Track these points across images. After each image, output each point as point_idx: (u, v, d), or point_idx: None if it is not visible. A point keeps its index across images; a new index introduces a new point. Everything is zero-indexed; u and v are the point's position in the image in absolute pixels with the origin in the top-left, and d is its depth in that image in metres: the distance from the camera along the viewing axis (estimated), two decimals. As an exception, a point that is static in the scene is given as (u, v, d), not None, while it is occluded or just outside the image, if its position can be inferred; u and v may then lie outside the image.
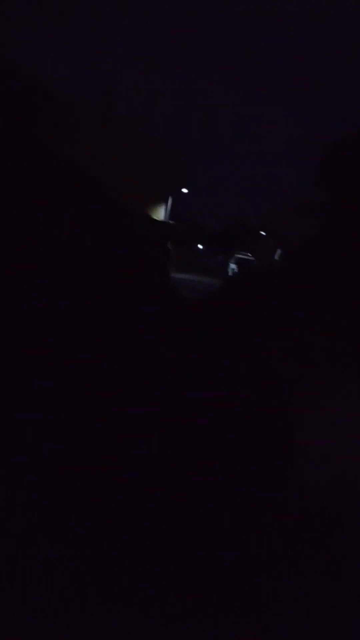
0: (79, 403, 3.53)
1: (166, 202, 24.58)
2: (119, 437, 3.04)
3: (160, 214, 22.67)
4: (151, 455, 2.79)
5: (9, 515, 2.09)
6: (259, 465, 3.24)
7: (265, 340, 6.42)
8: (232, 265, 30.06)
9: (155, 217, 18.37)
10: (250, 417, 4.06)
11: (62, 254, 7.08)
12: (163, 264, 13.41)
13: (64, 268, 6.86)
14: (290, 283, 8.21)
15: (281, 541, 2.33)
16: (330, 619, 1.90)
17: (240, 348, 6.41)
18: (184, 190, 28.11)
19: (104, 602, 1.75)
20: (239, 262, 27.19)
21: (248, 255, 27.85)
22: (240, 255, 28.82)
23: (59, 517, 2.12)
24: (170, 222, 25.36)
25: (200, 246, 36.65)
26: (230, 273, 30.82)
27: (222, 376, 5.43)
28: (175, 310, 9.89)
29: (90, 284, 7.24)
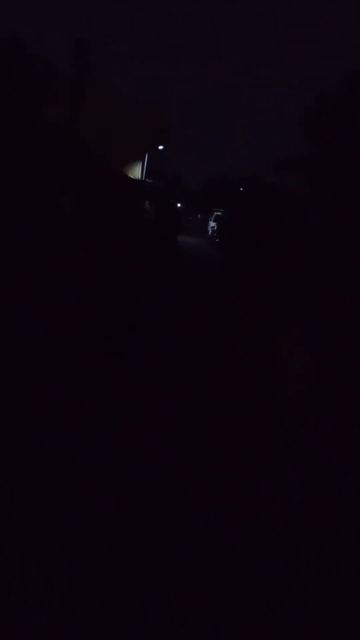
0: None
1: (142, 160, 23.81)
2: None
3: (136, 172, 22.00)
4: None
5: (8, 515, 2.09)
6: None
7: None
8: (212, 224, 29.57)
9: (131, 176, 17.82)
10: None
11: (38, 213, 6.85)
12: (142, 221, 13.10)
13: (40, 227, 6.65)
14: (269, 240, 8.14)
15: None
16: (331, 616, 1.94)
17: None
18: (160, 147, 27.22)
19: (104, 602, 1.75)
20: (217, 220, 26.72)
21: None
22: (218, 213, 28.29)
23: (58, 515, 2.12)
24: (148, 180, 24.64)
25: (179, 204, 35.93)
26: (210, 232, 30.35)
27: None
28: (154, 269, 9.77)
29: (67, 243, 7.06)
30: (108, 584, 1.74)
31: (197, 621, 1.65)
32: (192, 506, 2.26)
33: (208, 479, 2.51)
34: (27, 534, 1.92)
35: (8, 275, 5.42)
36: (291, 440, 3.07)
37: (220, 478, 2.54)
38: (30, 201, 7.01)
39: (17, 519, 2.00)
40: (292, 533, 2.18)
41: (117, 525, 2.07)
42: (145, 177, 23.57)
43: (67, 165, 9.00)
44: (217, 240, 22.04)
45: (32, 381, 3.39)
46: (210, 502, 2.31)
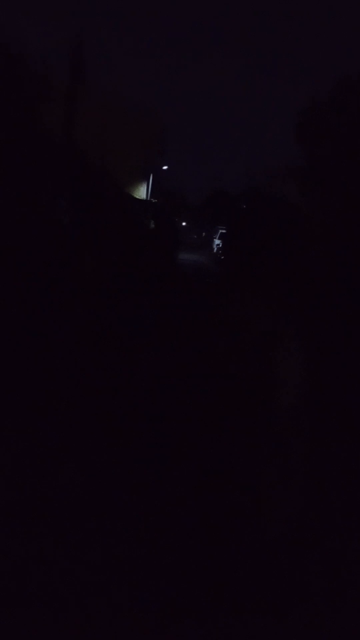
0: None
1: (147, 180, 24.21)
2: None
3: (141, 192, 22.32)
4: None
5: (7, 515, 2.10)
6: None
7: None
8: (217, 241, 29.75)
9: (136, 196, 18.08)
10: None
11: (40, 227, 6.93)
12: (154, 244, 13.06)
13: (42, 250, 6.71)
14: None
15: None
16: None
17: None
18: (164, 167, 27.70)
19: (103, 602, 1.74)
20: (222, 238, 26.91)
21: (231, 230, 27.41)
22: (223, 231, 28.52)
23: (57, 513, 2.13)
24: (152, 200, 25.03)
25: (184, 223, 36.29)
26: (215, 249, 30.52)
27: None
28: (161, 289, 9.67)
29: (69, 266, 7.09)
30: (108, 583, 1.73)
31: (197, 621, 1.63)
32: (192, 503, 2.26)
33: (209, 479, 2.51)
34: (25, 534, 1.92)
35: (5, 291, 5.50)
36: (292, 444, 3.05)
37: (221, 477, 2.54)
38: (27, 215, 7.11)
39: (17, 519, 2.01)
40: (296, 530, 2.16)
41: (116, 524, 2.07)
42: (150, 197, 23.96)
43: (66, 179, 9.16)
44: (222, 257, 22.13)
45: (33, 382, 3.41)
46: (210, 501, 2.31)
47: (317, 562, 2.05)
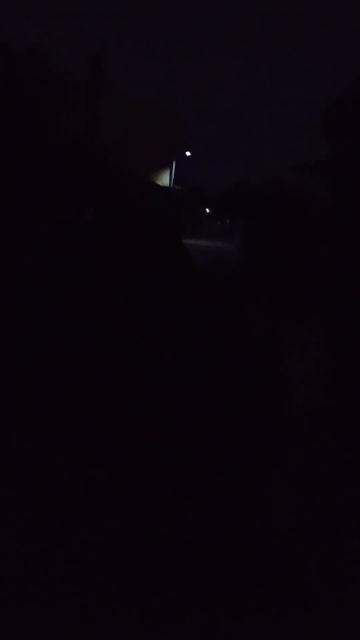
0: (81, 387, 3.58)
1: (170, 167, 24.00)
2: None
3: (164, 179, 22.18)
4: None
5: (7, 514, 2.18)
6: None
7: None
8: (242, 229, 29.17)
9: (160, 183, 18.01)
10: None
11: (64, 228, 7.00)
12: (173, 232, 13.08)
13: (66, 242, 6.78)
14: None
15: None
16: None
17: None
18: (187, 154, 27.36)
19: (103, 602, 1.80)
20: (246, 226, 26.42)
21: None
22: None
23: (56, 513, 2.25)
24: (176, 187, 24.81)
25: (207, 210, 35.80)
26: (239, 237, 29.94)
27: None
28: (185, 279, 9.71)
29: (94, 257, 7.16)
30: (107, 583, 1.81)
31: (197, 622, 1.71)
32: (192, 504, 2.31)
33: (209, 478, 2.54)
34: (25, 534, 2.00)
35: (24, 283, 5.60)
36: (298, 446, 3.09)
37: (221, 477, 2.57)
38: (50, 212, 7.20)
39: (17, 518, 2.09)
40: (298, 531, 2.21)
41: (116, 523, 2.14)
42: (174, 185, 23.76)
43: (88, 175, 9.19)
44: (244, 248, 21.83)
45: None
46: (211, 500, 2.35)
47: (317, 562, 2.09)
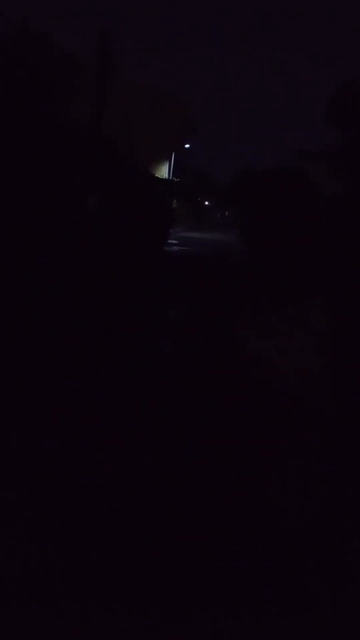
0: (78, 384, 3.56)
1: (169, 159, 23.88)
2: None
3: (163, 170, 22.05)
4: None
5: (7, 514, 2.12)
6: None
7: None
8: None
9: (158, 175, 17.87)
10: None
11: (64, 215, 6.93)
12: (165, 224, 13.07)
13: (65, 230, 6.73)
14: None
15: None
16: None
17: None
18: (186, 146, 27.23)
19: (103, 602, 1.74)
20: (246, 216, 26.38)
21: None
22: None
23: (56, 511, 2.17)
24: (175, 179, 24.69)
25: (207, 202, 35.69)
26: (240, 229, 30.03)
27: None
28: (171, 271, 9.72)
29: (93, 247, 7.12)
30: (107, 584, 1.74)
31: (198, 622, 1.63)
32: (193, 504, 2.26)
33: (210, 477, 2.50)
34: (26, 535, 1.94)
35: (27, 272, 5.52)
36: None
37: (222, 476, 2.53)
38: (55, 200, 7.10)
39: (17, 519, 2.03)
40: (301, 531, 2.14)
41: (116, 524, 2.08)
42: (173, 176, 23.64)
43: (93, 165, 9.09)
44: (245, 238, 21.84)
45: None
46: (211, 500, 2.30)
47: (317, 562, 2.04)
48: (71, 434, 2.84)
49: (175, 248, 15.66)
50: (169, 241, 16.25)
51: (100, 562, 1.86)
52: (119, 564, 1.87)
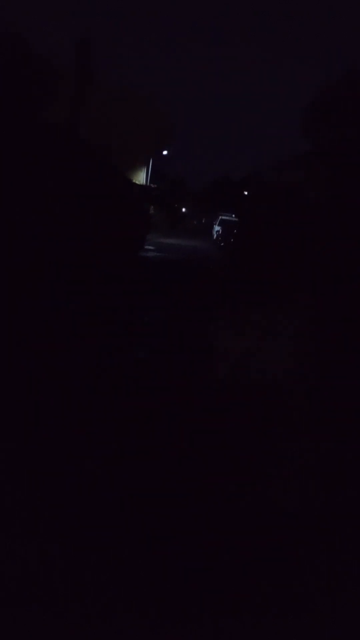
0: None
1: (147, 165, 23.97)
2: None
3: (141, 177, 22.10)
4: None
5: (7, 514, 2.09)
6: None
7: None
8: (217, 227, 29.58)
9: (135, 181, 17.88)
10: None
11: (35, 218, 6.85)
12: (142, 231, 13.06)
13: (41, 238, 6.65)
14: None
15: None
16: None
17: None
18: (164, 153, 27.40)
19: (103, 603, 1.74)
20: (222, 224, 26.68)
21: (232, 216, 27.25)
22: (223, 217, 28.31)
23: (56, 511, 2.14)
24: (152, 185, 24.79)
25: (183, 209, 36.00)
26: (215, 235, 30.40)
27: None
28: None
29: (65, 252, 7.05)
30: (107, 584, 1.73)
31: (198, 622, 1.63)
32: (193, 504, 2.26)
33: (209, 476, 2.50)
34: (26, 534, 1.91)
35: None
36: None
37: (221, 476, 2.54)
38: (27, 205, 7.01)
39: (18, 518, 2.01)
40: (298, 530, 2.16)
41: (117, 524, 2.07)
42: (150, 182, 23.72)
43: (68, 167, 9.01)
44: (222, 244, 22.05)
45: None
46: (211, 500, 2.30)
47: (317, 562, 2.06)
48: (66, 434, 2.82)
49: (152, 254, 15.71)
50: (146, 247, 16.32)
51: (100, 562, 1.84)
52: (119, 564, 1.86)
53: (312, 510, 2.37)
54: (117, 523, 2.11)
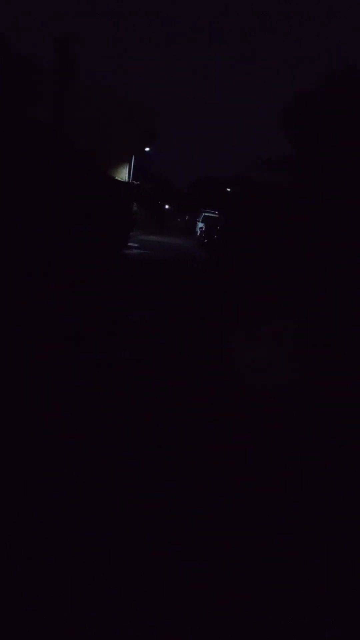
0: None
1: (129, 162, 23.83)
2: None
3: (123, 174, 21.97)
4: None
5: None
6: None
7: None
8: (200, 224, 29.59)
9: (118, 178, 17.77)
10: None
11: (22, 219, 6.77)
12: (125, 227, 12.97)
13: (21, 236, 6.56)
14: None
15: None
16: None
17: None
18: (147, 149, 27.28)
19: (103, 603, 1.74)
20: (205, 220, 26.69)
21: (215, 213, 27.28)
22: (206, 213, 28.33)
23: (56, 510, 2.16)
24: (135, 182, 24.66)
25: (167, 206, 35.91)
26: (198, 232, 30.43)
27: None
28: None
29: (48, 249, 6.97)
30: (107, 584, 1.73)
31: (198, 622, 1.64)
32: (192, 504, 2.26)
33: (209, 477, 2.51)
34: (27, 535, 1.90)
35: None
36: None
37: (221, 476, 2.54)
38: (7, 203, 6.91)
39: (18, 518, 2.00)
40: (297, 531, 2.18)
41: (117, 524, 2.07)
42: (133, 180, 23.60)
43: (50, 165, 8.91)
44: (206, 241, 22.07)
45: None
46: (211, 500, 2.31)
47: (317, 561, 2.08)
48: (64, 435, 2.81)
49: (135, 251, 15.67)
50: (129, 244, 16.27)
51: (100, 562, 1.84)
52: (119, 564, 1.86)
53: (312, 510, 2.39)
54: (117, 523, 2.12)
